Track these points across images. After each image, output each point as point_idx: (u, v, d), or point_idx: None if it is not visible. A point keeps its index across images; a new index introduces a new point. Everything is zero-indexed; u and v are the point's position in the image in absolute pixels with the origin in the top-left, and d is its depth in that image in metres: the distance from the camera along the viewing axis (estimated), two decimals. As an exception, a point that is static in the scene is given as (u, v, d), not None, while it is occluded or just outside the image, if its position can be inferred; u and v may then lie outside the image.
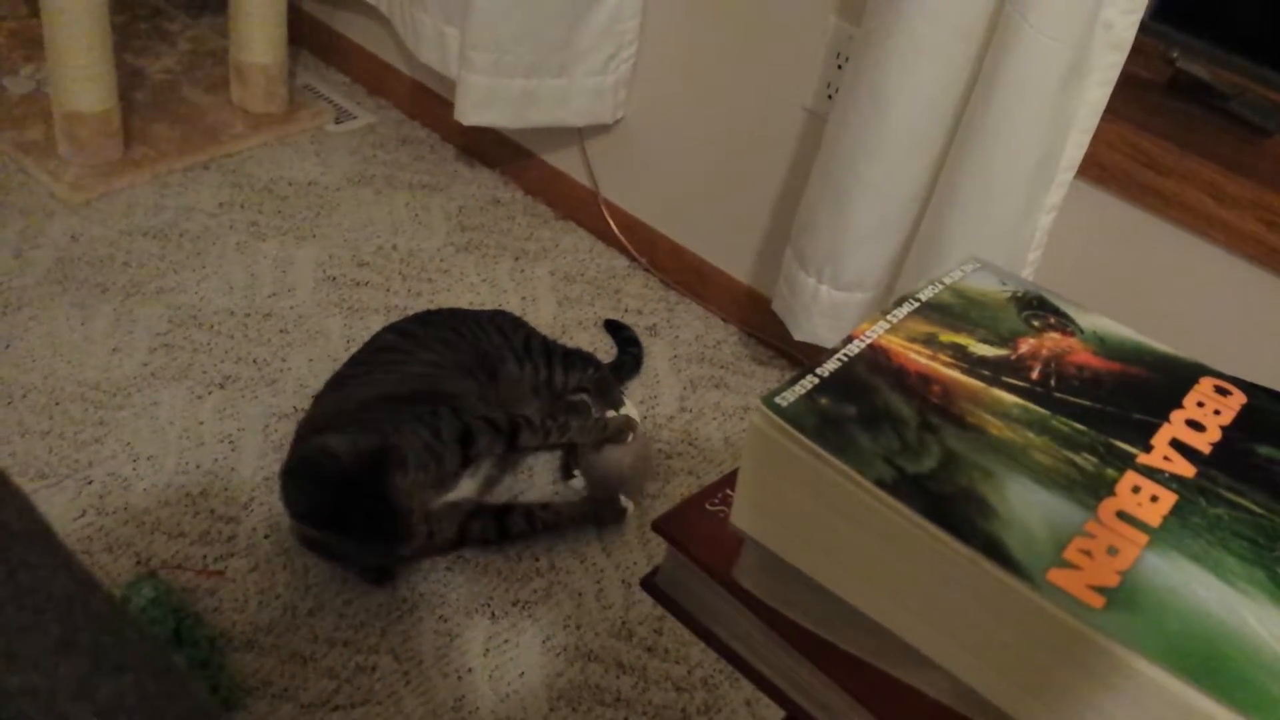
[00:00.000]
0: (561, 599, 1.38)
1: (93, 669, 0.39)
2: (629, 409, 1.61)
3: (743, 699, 1.30)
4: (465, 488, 1.38)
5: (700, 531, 0.61)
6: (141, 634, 0.42)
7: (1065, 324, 0.64)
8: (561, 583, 1.40)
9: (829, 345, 1.60)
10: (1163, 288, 1.39)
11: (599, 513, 1.47)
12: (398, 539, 1.27)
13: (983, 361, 0.59)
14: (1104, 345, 0.62)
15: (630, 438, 1.49)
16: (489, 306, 1.80)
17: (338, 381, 1.44)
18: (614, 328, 1.80)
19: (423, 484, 1.30)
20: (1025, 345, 0.61)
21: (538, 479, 1.52)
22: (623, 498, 1.47)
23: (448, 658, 1.29)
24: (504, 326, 1.57)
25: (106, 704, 0.38)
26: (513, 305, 1.83)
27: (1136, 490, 0.52)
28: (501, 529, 1.40)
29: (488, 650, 1.30)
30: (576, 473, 1.50)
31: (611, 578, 1.41)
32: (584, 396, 1.59)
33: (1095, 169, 1.37)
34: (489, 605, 1.35)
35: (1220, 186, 1.29)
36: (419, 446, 1.29)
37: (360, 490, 1.23)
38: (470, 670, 1.28)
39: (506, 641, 1.32)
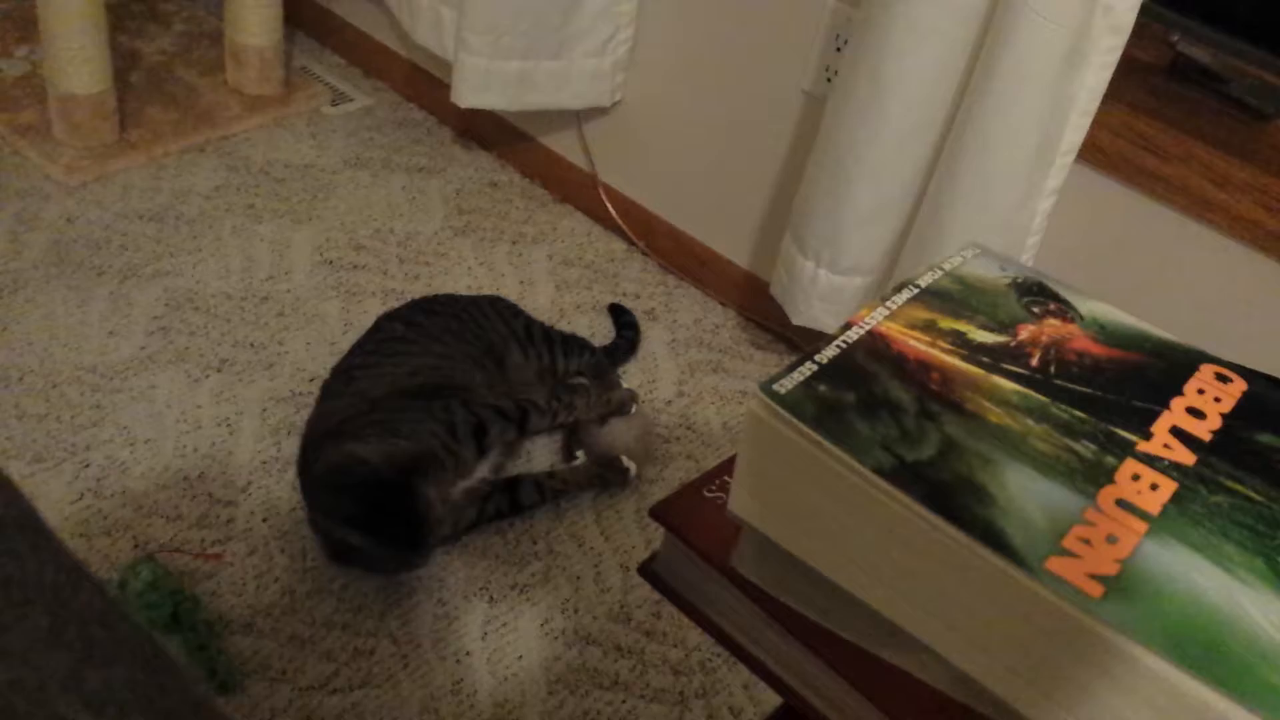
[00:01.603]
0: (560, 582, 1.38)
1: (82, 660, 0.38)
2: (624, 387, 1.61)
3: (740, 682, 1.30)
4: (479, 471, 1.39)
5: (698, 518, 0.61)
6: (133, 624, 0.41)
7: (1065, 310, 0.63)
8: (559, 566, 1.40)
9: (827, 329, 1.60)
10: (1162, 273, 1.38)
11: (604, 476, 1.48)
12: (422, 547, 1.28)
13: (982, 348, 0.59)
14: (1104, 332, 0.62)
15: (634, 409, 1.51)
16: (487, 290, 1.80)
17: (345, 375, 1.44)
18: (616, 312, 1.80)
19: (445, 482, 1.32)
20: (1025, 332, 0.61)
21: (539, 455, 1.52)
22: (624, 459, 1.47)
23: (446, 641, 1.29)
24: (504, 313, 1.57)
25: (96, 696, 0.37)
26: (510, 289, 1.82)
27: (1136, 478, 0.52)
28: (513, 501, 1.42)
29: (486, 634, 1.31)
30: (578, 454, 1.50)
31: (609, 561, 1.41)
32: (582, 380, 1.59)
33: (1095, 153, 1.36)
34: (487, 589, 1.35)
35: (1220, 171, 1.29)
36: (439, 448, 1.31)
37: (392, 496, 1.25)
38: (468, 653, 1.28)
39: (504, 625, 1.32)
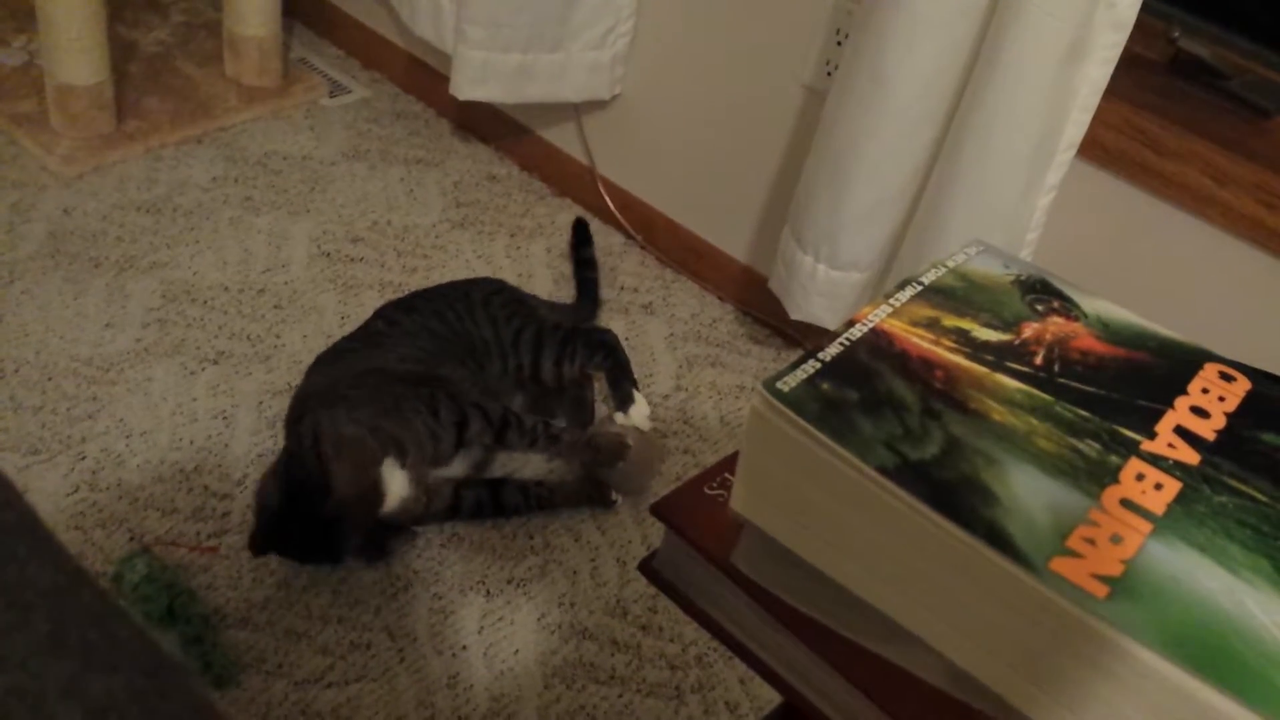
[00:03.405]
0: (556, 577, 1.38)
1: (83, 668, 0.38)
2: (639, 404, 1.56)
3: (736, 677, 1.30)
4: (456, 468, 1.38)
5: (699, 516, 0.61)
6: (135, 628, 0.41)
7: (1069, 308, 0.63)
8: (556, 561, 1.39)
9: (826, 324, 1.60)
10: (1162, 270, 1.38)
11: (590, 496, 1.47)
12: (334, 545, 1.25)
13: (986, 346, 0.58)
14: (1108, 330, 0.62)
15: (620, 465, 1.44)
16: (484, 283, 1.80)
17: (331, 356, 1.44)
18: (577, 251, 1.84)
19: (420, 463, 1.30)
20: (1029, 330, 0.60)
21: (533, 458, 1.52)
22: (613, 492, 1.46)
23: (442, 635, 1.29)
24: (497, 316, 1.52)
25: (97, 704, 0.37)
26: (508, 282, 1.82)
27: (1140, 478, 0.52)
28: (496, 501, 1.41)
29: (482, 628, 1.30)
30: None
31: (606, 556, 1.41)
32: (598, 366, 1.58)
33: (1095, 149, 1.36)
34: (483, 583, 1.35)
35: (1220, 167, 1.29)
36: (420, 427, 1.30)
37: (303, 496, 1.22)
38: (465, 647, 1.28)
39: (501, 619, 1.32)
